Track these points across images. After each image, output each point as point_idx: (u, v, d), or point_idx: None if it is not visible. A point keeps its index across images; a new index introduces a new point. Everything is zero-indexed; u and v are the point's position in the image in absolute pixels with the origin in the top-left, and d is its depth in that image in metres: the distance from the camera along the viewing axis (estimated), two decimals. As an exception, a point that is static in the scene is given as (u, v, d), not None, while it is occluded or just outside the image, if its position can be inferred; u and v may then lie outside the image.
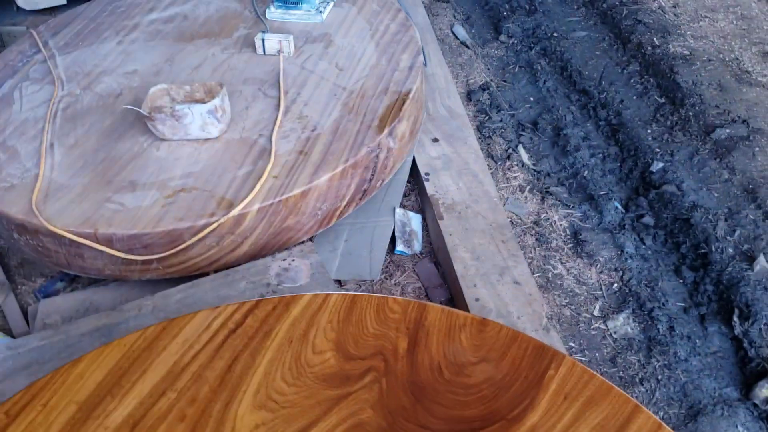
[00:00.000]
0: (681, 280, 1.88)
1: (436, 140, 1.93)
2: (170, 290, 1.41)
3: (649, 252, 1.97)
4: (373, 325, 0.98)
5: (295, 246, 1.55)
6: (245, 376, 0.93)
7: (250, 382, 0.92)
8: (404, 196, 1.88)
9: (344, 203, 1.60)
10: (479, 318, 0.97)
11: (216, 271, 1.51)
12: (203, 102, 1.59)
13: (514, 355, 0.93)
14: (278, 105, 1.67)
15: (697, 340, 1.74)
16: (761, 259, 1.81)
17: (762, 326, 1.70)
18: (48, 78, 1.80)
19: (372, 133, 1.59)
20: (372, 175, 1.62)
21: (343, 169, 1.53)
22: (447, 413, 0.88)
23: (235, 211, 1.43)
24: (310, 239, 1.61)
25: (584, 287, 1.84)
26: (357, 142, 1.57)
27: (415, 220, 1.81)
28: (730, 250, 1.87)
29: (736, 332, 1.70)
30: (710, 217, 1.96)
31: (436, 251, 1.74)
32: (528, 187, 2.09)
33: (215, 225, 1.42)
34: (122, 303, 1.39)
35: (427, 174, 1.83)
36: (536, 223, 1.98)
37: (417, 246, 1.76)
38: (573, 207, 2.08)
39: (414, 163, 1.88)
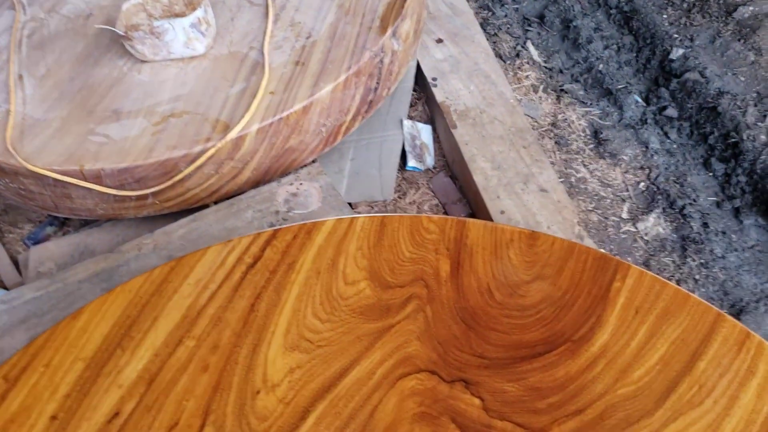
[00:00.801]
0: (711, 173, 1.77)
1: (440, 41, 1.77)
2: (171, 225, 1.28)
3: (675, 146, 1.85)
4: (408, 248, 0.87)
5: (300, 169, 1.42)
6: (271, 316, 0.81)
7: (278, 321, 0.81)
8: (410, 106, 1.74)
9: (349, 117, 1.45)
10: (528, 231, 0.85)
11: (217, 203, 1.38)
12: (184, 15, 1.42)
13: (573, 269, 0.82)
14: (266, 13, 1.50)
15: (733, 235, 1.65)
16: (795, 144, 1.69)
17: (799, 215, 1.60)
18: (6, 3, 1.61)
19: (374, 35, 1.43)
20: (377, 83, 1.47)
21: (345, 78, 1.38)
22: (504, 339, 0.77)
23: (232, 134, 1.28)
24: (314, 161, 1.48)
25: (610, 189, 1.73)
26: (358, 46, 1.42)
27: (425, 132, 1.67)
28: (763, 137, 1.76)
29: (773, 224, 1.60)
30: (738, 103, 1.83)
31: (451, 164, 1.61)
32: (541, 87, 1.95)
33: (213, 151, 1.28)
34: (119, 244, 1.27)
35: (434, 79, 1.68)
36: (553, 124, 1.84)
37: (429, 160, 1.63)
38: (591, 104, 1.94)
39: (418, 68, 1.73)
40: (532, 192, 1.43)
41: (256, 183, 1.40)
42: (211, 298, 0.84)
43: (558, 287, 0.81)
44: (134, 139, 1.27)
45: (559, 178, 1.67)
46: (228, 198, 1.38)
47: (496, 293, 0.81)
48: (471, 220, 0.87)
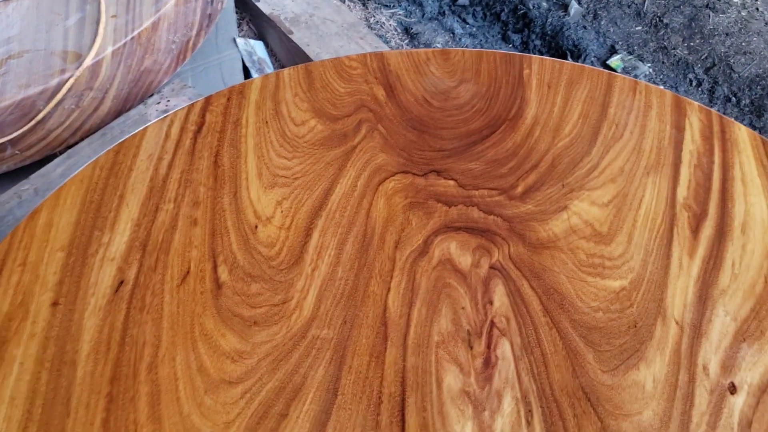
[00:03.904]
0: (510, 45, 2.00)
1: (250, -40, 1.80)
2: (46, 167, 1.21)
3: (474, 29, 2.05)
4: (340, 85, 0.93)
5: (161, 89, 1.40)
6: (238, 165, 0.84)
7: (247, 168, 0.84)
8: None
9: (194, 32, 1.45)
10: (439, 49, 0.96)
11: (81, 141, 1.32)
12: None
13: (488, 68, 0.95)
14: (81, -61, 1.43)
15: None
16: (572, 3, 1.97)
17: (593, 59, 1.88)
18: None
19: (204, -56, 1.44)
20: (213, -5, 1.48)
21: (186, -10, 1.37)
22: (454, 132, 0.88)
23: (88, 60, 1.23)
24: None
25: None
26: (190, -41, 1.41)
27: (258, 48, 1.71)
28: (544, 4, 2.02)
29: (573, 70, 1.86)
30: (518, -20, 2.07)
31: (294, 69, 1.66)
32: (346, -3, 2.05)
33: (72, 80, 1.22)
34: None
35: (255, -5, 1.72)
36: (369, 27, 1.96)
37: (270, 72, 1.68)
38: (394, 6, 2.09)
39: (237, -12, 1.75)
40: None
41: (118, 112, 1.36)
42: (171, 166, 0.84)
43: (481, 84, 0.93)
44: (-15, 78, 1.17)
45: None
46: (94, 133, 1.32)
47: (432, 101, 0.91)
48: (387, 51, 0.95)
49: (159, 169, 0.84)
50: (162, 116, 0.88)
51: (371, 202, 0.81)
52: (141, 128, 0.86)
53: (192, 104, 0.89)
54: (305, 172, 0.84)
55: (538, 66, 0.94)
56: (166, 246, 0.77)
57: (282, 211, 0.80)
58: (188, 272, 0.75)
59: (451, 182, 0.83)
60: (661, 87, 1.80)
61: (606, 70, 0.92)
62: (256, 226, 0.78)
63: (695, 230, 0.78)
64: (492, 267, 0.75)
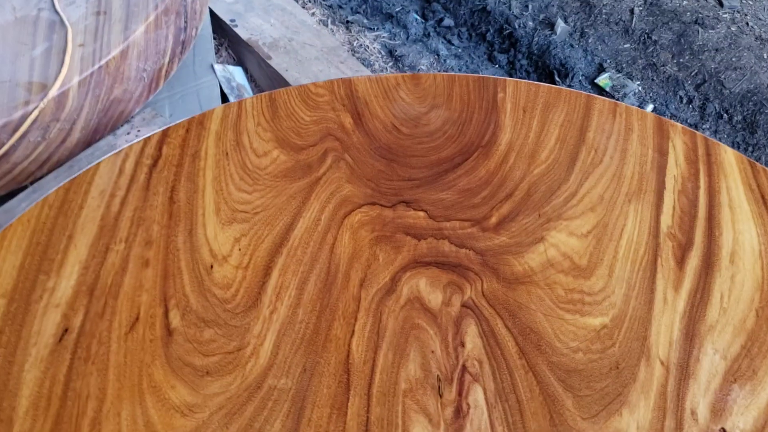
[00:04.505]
0: (497, 65, 1.96)
1: (227, -15, 1.76)
2: (10, 202, 1.17)
3: (460, 50, 2.02)
4: (305, 113, 0.89)
5: (131, 119, 1.35)
6: (195, 201, 0.79)
7: (204, 204, 0.79)
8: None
9: (167, 59, 1.41)
10: (409, 74, 0.92)
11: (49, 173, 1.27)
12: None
13: (460, 93, 0.90)
14: (48, -32, 1.40)
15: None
16: (559, 21, 1.94)
17: (581, 78, 1.84)
18: None
19: (174, -29, 1.40)
20: (185, 22, 1.44)
21: (155, 17, 1.34)
22: (424, 161, 0.83)
23: (53, 91, 1.19)
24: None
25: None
26: (160, -15, 1.38)
27: (237, 73, 1.67)
28: (530, 23, 1.99)
29: (560, 90, 1.82)
30: (503, 0, 2.05)
31: (273, 95, 1.62)
32: (329, 20, 2.02)
33: (36, 112, 1.18)
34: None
35: (232, 20, 1.68)
36: (353, 50, 1.93)
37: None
38: (378, 29, 2.05)
39: (213, 15, 1.72)
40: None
41: (87, 143, 1.31)
42: (124, 204, 0.79)
43: (453, 110, 0.88)
44: (-56, 110, 1.13)
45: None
46: (60, 166, 1.27)
47: (402, 128, 0.87)
48: (355, 77, 0.91)
49: (111, 206, 0.79)
50: (116, 150, 0.83)
51: (336, 237, 0.76)
52: (93, 165, 0.81)
53: (148, 137, 0.85)
54: (266, 206, 0.79)
55: (513, 89, 0.89)
56: (115, 290, 0.72)
57: (240, 249, 0.75)
58: (137, 318, 0.70)
59: (421, 213, 0.78)
60: (651, 105, 1.76)
61: (584, 92, 0.88)
62: (212, 266, 0.73)
63: (680, 261, 0.73)
64: (464, 305, 0.70)
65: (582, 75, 1.83)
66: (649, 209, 0.77)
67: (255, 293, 0.71)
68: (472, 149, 0.84)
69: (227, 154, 0.84)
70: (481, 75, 0.90)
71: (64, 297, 0.71)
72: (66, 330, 0.69)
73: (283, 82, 1.54)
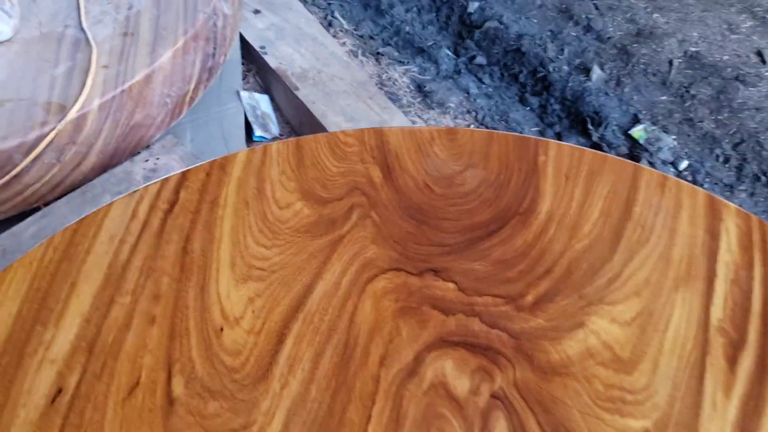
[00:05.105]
0: (528, 108, 1.91)
1: (257, 11, 1.73)
2: (18, 226, 1.12)
3: (491, 89, 1.97)
4: (333, 163, 0.83)
5: (151, 145, 1.31)
6: (210, 253, 0.74)
7: (219, 257, 0.74)
8: (242, 79, 1.68)
9: (192, 86, 1.37)
10: (444, 128, 0.86)
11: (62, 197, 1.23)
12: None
13: (498, 152, 0.85)
14: (77, -15, 1.37)
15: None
16: (595, 68, 1.89)
17: (614, 127, 1.79)
18: None
19: (204, -3, 1.36)
20: (214, 48, 1.40)
21: (184, 42, 1.30)
22: (456, 225, 0.77)
23: (72, 113, 1.15)
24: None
25: (450, 131, 1.80)
26: (189, 9, 1.34)
27: (263, 102, 1.63)
28: (565, 68, 1.93)
29: (594, 139, 1.77)
30: (537, 42, 2.00)
31: (298, 128, 1.58)
32: (359, 51, 1.98)
33: (53, 134, 1.14)
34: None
35: (262, 47, 1.64)
36: (381, 83, 1.88)
37: (274, 128, 1.59)
38: (408, 63, 2.01)
39: (243, 40, 1.68)
40: (390, 136, 1.45)
41: (103, 169, 1.27)
42: (134, 251, 0.74)
43: (490, 171, 0.83)
44: (-43, 130, 1.09)
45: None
46: (73, 191, 1.23)
47: (434, 187, 0.81)
48: (386, 127, 0.86)
49: (120, 253, 0.74)
50: (137, 187, 0.78)
51: (356, 305, 0.70)
52: (104, 205, 0.76)
53: (166, 179, 0.79)
54: (285, 264, 0.73)
55: (555, 152, 0.84)
56: (116, 348, 0.66)
57: (253, 311, 0.69)
58: (138, 383, 0.64)
59: (451, 285, 0.72)
60: (686, 161, 1.69)
61: (632, 162, 0.82)
62: (222, 329, 0.68)
63: (732, 361, 0.66)
64: (493, 395, 0.64)
65: (616, 124, 1.77)
66: (699, 298, 0.71)
67: (266, 363, 0.66)
68: (509, 216, 0.78)
69: (248, 203, 0.79)
70: (521, 135, 0.84)
71: (61, 353, 0.66)
72: (60, 390, 0.63)
73: (309, 115, 1.50)
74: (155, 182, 0.80)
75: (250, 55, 1.67)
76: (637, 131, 1.82)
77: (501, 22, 2.08)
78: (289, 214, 0.78)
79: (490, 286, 0.72)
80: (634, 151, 1.79)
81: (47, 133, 1.13)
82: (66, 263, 0.73)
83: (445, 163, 0.84)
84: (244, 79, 1.71)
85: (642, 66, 1.94)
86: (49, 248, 0.74)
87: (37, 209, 1.23)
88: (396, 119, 1.48)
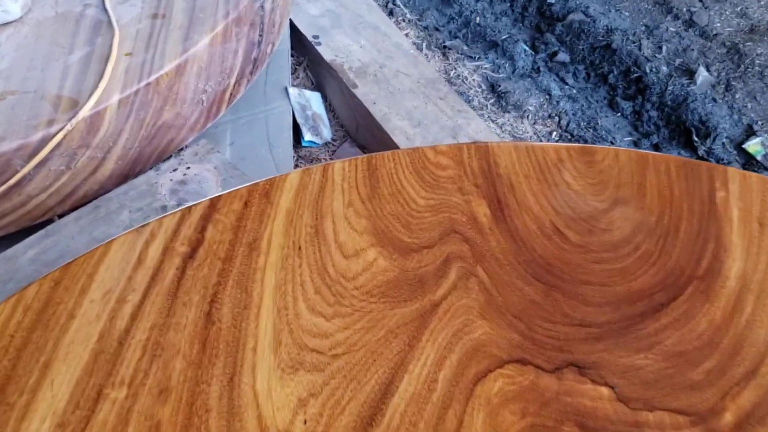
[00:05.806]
0: (619, 113, 1.64)
1: (312, -5, 1.50)
2: (15, 248, 0.91)
3: (575, 91, 1.71)
4: (419, 193, 0.59)
5: (180, 151, 1.09)
6: (244, 324, 0.50)
7: (258, 331, 0.50)
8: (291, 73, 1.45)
9: (233, 79, 1.14)
10: (577, 146, 0.61)
11: (74, 211, 1.01)
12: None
13: (657, 184, 0.59)
14: (102, -42, 1.15)
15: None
16: (701, 69, 1.61)
17: (724, 140, 1.51)
18: None
19: (252, -28, 1.13)
20: (260, 35, 1.17)
21: (224, 26, 1.07)
22: (605, 293, 0.52)
23: (85, 110, 0.93)
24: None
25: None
26: (232, -11, 1.11)
27: (314, 100, 1.39)
28: (664, 69, 1.66)
29: (700, 153, 1.50)
30: (631, 38, 1.73)
31: (354, 132, 1.34)
32: (424, 44, 1.74)
33: (60, 136, 0.92)
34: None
35: (315, 37, 1.41)
36: (448, 81, 1.63)
37: (326, 132, 1.36)
38: (479, 58, 1.76)
39: (293, 28, 1.45)
40: (466, 146, 1.20)
41: (124, 178, 1.05)
42: (136, 317, 0.51)
43: (648, 210, 0.57)
44: (-59, 129, 0.88)
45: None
46: (87, 203, 1.02)
47: (568, 232, 0.56)
48: (494, 142, 0.61)
49: (116, 320, 0.50)
50: (155, 217, 0.55)
51: (461, 420, 0.46)
52: (102, 244, 0.53)
53: (187, 208, 0.56)
54: (352, 345, 0.49)
55: (740, 186, 0.58)
56: (97, 477, 0.43)
57: (306, 423, 0.45)
58: None
59: (605, 390, 0.47)
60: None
61: None
62: (259, 451, 0.44)
63: None
64: None
65: (726, 137, 1.49)
66: None
67: None
68: (682, 281, 0.53)
69: (300, 248, 0.55)
70: (686, 158, 0.59)
71: (16, 480, 0.43)
72: None
73: (368, 117, 1.26)
74: (173, 213, 0.56)
75: (301, 45, 1.44)
76: (753, 145, 1.54)
77: (587, 15, 1.82)
78: (359, 267, 0.54)
79: (665, 395, 0.47)
80: (749, 168, 1.51)
81: (54, 134, 0.92)
82: (39, 332, 0.50)
83: (582, 196, 0.58)
84: (293, 73, 1.48)
85: (757, 68, 1.66)
86: (18, 308, 0.51)
87: (49, 221, 1.02)
88: (473, 125, 1.23)
